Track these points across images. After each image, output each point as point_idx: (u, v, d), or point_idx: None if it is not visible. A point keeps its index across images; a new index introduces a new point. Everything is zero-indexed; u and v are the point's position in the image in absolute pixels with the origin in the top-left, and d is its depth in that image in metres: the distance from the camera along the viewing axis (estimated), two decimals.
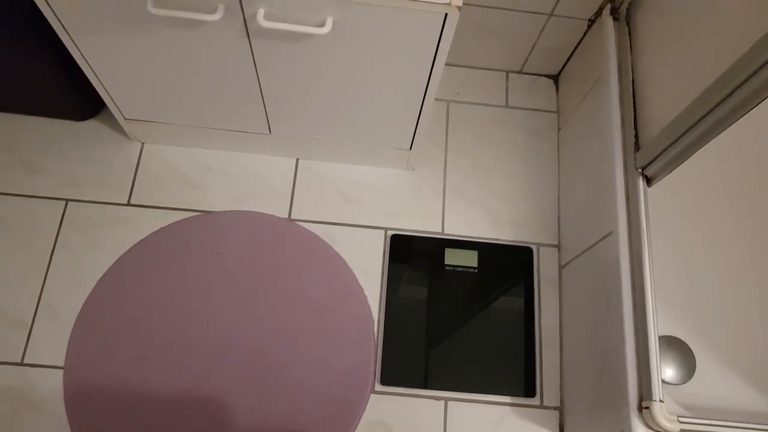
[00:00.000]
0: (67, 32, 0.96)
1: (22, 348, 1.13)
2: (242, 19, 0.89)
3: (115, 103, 1.16)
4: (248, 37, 0.93)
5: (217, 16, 0.86)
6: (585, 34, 1.28)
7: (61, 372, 1.12)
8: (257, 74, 1.02)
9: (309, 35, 0.91)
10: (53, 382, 1.11)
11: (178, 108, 1.17)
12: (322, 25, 0.87)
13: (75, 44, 0.99)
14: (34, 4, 0.90)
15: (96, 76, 1.07)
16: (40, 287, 1.18)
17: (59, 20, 0.93)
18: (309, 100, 1.09)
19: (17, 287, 1.17)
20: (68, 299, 1.17)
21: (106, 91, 1.12)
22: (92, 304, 1.17)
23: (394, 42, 0.92)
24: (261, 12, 0.86)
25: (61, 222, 1.23)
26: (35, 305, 1.16)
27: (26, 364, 1.12)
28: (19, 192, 1.24)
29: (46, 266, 1.19)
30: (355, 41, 0.92)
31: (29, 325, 1.15)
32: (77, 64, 1.05)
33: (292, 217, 1.27)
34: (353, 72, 1.00)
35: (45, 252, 1.20)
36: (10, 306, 1.16)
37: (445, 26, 0.87)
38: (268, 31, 0.91)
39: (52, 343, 1.14)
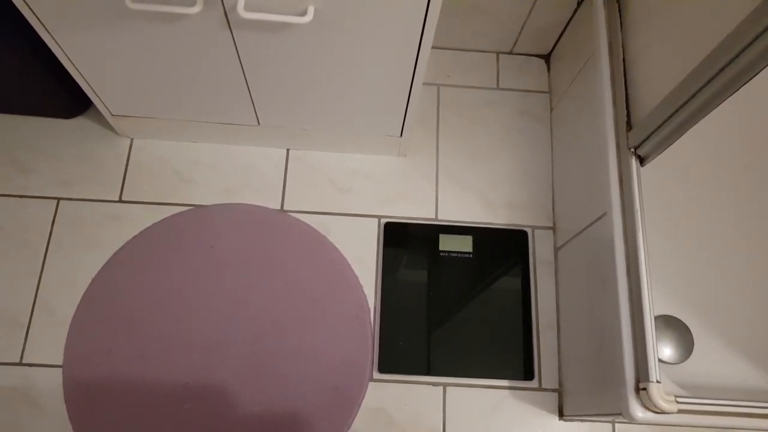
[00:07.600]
0: (47, 30, 0.95)
1: (20, 348, 1.13)
2: (222, 10, 0.87)
3: (101, 100, 1.15)
4: (230, 28, 0.91)
5: (196, 9, 0.85)
6: (575, 12, 1.26)
7: (60, 370, 1.12)
8: (242, 66, 1.01)
9: (291, 24, 0.89)
10: (53, 381, 1.12)
11: (165, 102, 1.15)
12: (303, 13, 0.85)
13: (56, 42, 0.98)
14: (12, 2, 0.89)
15: (80, 73, 1.06)
16: (36, 287, 1.18)
17: (38, 18, 0.92)
18: (296, 89, 1.08)
19: (13, 288, 1.17)
20: (64, 298, 1.17)
21: (91, 88, 1.11)
22: (88, 301, 1.17)
23: (377, 26, 0.90)
24: (241, 2, 0.84)
25: (53, 221, 1.22)
26: (31, 305, 1.16)
27: (25, 364, 1.13)
28: (10, 192, 1.23)
29: (41, 266, 1.19)
30: (338, 28, 0.90)
31: (26, 325, 1.15)
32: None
33: (285, 208, 1.26)
34: (338, 59, 0.98)
35: (39, 251, 1.20)
36: (7, 306, 1.16)
37: (430, 6, 0.86)
38: (249, 22, 0.89)
39: (50, 342, 1.14)
